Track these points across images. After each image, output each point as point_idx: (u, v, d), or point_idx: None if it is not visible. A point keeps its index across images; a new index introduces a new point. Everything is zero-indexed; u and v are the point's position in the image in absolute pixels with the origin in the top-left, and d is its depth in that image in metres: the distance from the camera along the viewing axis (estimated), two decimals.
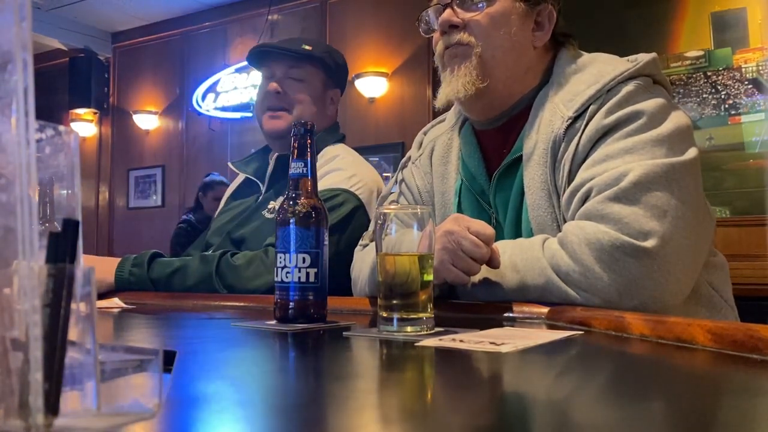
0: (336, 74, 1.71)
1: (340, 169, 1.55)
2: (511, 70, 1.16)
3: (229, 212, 1.72)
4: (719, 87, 3.49)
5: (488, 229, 0.97)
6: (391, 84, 4.65)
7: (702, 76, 3.53)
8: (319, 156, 1.62)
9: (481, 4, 1.15)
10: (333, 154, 1.61)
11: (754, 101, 3.40)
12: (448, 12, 1.16)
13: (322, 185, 1.51)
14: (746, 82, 3.42)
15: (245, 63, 5.66)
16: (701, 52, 3.55)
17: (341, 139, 1.73)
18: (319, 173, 1.55)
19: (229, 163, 1.83)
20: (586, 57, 1.16)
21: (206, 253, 1.51)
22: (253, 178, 1.72)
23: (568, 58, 1.16)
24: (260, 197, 1.65)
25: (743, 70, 3.44)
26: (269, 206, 1.60)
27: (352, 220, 1.47)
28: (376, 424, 0.40)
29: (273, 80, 1.64)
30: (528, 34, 1.16)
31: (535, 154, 1.10)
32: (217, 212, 1.83)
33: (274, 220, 1.55)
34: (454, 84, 1.14)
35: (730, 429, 0.38)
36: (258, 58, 1.69)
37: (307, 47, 1.65)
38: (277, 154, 1.66)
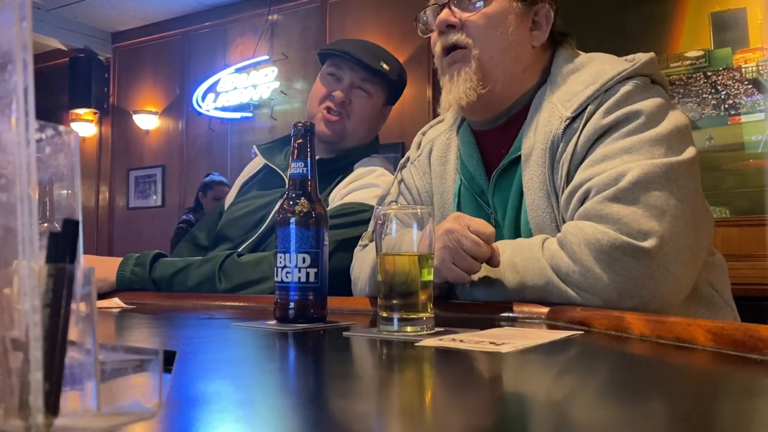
0: (397, 94, 1.70)
1: (376, 186, 1.53)
2: (509, 70, 1.16)
3: (250, 203, 1.65)
4: (719, 87, 3.48)
5: (488, 228, 0.97)
6: None
7: (702, 76, 3.53)
8: (356, 166, 1.60)
9: (478, 4, 1.15)
10: (372, 168, 1.59)
11: (754, 101, 3.40)
12: (445, 12, 1.16)
13: (354, 197, 1.50)
14: (746, 82, 3.42)
15: (245, 63, 5.64)
16: (701, 52, 3.55)
17: (377, 150, 1.72)
18: (354, 184, 1.55)
19: (255, 147, 1.75)
20: (583, 56, 1.16)
21: (210, 255, 1.50)
22: (278, 170, 1.65)
23: (566, 58, 1.16)
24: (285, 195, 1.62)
25: (743, 70, 3.44)
26: None
27: None
28: (376, 424, 0.40)
29: (342, 85, 1.61)
30: (525, 33, 1.16)
31: (533, 155, 1.10)
32: (231, 199, 1.75)
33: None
34: (455, 91, 1.14)
35: (730, 429, 0.38)
36: (332, 53, 1.64)
37: (385, 66, 1.63)
38: (318, 157, 1.62)
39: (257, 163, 1.76)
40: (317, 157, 1.60)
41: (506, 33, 1.14)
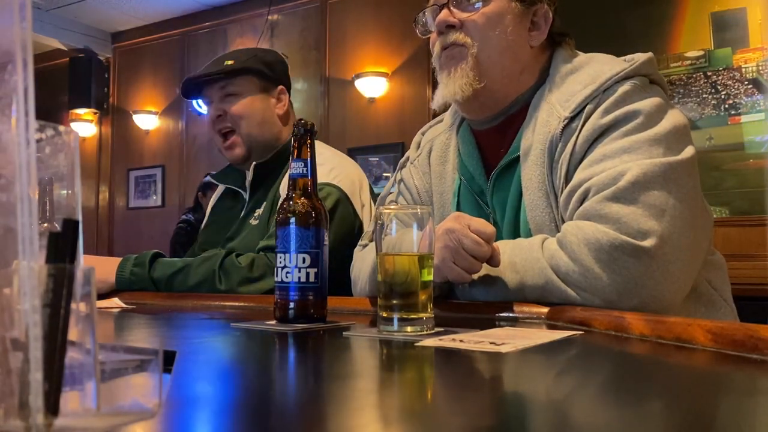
0: (271, 73, 1.72)
1: (320, 164, 1.57)
2: (507, 70, 1.16)
3: (215, 225, 1.75)
4: (719, 87, 3.48)
5: (489, 228, 0.97)
6: (391, 84, 4.64)
7: (702, 76, 3.53)
8: None
9: (477, 4, 1.15)
10: None
11: (754, 101, 3.40)
12: (444, 12, 1.16)
13: None
14: (746, 82, 3.42)
15: None
16: (701, 52, 3.55)
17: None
18: None
19: (208, 175, 1.90)
20: (582, 57, 1.16)
21: (208, 254, 1.51)
22: (235, 188, 1.75)
23: (564, 58, 1.16)
24: (245, 207, 1.68)
25: (743, 70, 3.44)
26: (255, 214, 1.61)
27: (336, 211, 1.50)
28: (376, 424, 0.40)
29: (212, 106, 1.68)
30: (524, 33, 1.16)
31: (531, 155, 1.10)
32: (202, 226, 1.85)
33: (260, 224, 1.58)
34: (451, 86, 1.15)
35: (730, 429, 0.38)
36: (193, 92, 1.73)
37: (229, 62, 1.68)
38: (255, 162, 1.68)
39: (219, 191, 1.87)
40: (255, 162, 1.67)
41: (504, 33, 1.14)
